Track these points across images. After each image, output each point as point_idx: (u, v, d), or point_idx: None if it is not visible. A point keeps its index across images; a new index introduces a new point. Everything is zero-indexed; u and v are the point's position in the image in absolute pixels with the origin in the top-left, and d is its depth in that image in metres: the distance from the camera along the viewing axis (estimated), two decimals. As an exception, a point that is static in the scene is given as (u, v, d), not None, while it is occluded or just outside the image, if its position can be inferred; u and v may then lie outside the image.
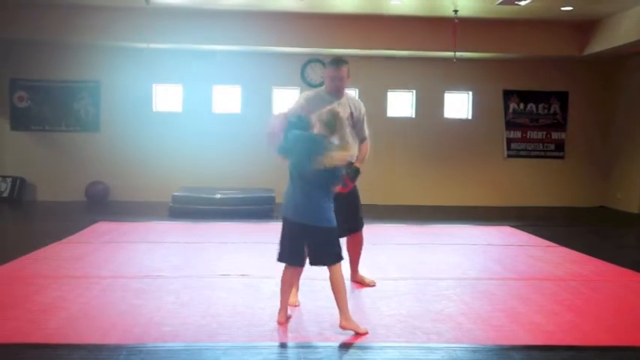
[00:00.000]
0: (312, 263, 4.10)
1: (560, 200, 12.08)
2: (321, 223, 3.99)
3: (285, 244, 4.15)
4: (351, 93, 5.11)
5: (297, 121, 4.12)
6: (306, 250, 4.10)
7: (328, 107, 4.65)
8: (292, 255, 4.13)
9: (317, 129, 4.17)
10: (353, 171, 4.83)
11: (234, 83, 11.80)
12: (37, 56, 11.37)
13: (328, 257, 4.01)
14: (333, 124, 3.99)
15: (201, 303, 4.62)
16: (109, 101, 11.59)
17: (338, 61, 4.82)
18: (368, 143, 5.07)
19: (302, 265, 4.21)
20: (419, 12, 10.30)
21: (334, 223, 4.06)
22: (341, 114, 4.74)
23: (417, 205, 11.59)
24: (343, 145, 4.26)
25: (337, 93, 4.87)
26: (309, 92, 5.00)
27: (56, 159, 11.56)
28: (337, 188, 4.25)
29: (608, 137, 12.15)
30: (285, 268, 4.17)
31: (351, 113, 4.88)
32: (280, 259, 4.17)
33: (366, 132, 5.05)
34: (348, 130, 4.82)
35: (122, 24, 10.40)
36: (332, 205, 4.07)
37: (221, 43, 10.88)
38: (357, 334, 3.91)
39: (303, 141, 4.00)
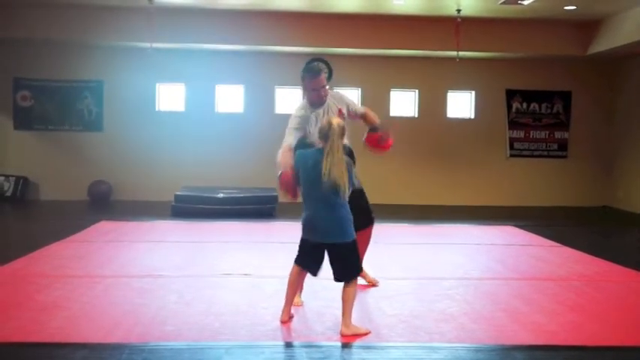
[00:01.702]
0: (337, 279, 4.06)
1: (563, 200, 12.06)
2: (342, 239, 3.98)
3: (305, 252, 4.12)
4: (355, 91, 5.10)
5: (301, 143, 4.26)
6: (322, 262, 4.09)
7: (326, 118, 4.55)
8: (310, 263, 4.10)
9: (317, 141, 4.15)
10: (373, 129, 4.83)
11: (237, 82, 11.80)
12: (41, 56, 11.38)
13: (351, 272, 4.00)
14: (326, 132, 3.98)
15: (203, 302, 4.62)
16: (112, 101, 11.60)
17: (314, 70, 4.63)
18: (371, 112, 5.02)
19: (316, 274, 4.18)
20: (422, 11, 10.29)
21: (354, 236, 4.05)
22: (335, 124, 4.65)
23: (420, 205, 11.57)
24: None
25: (320, 101, 4.73)
26: (298, 107, 4.81)
27: (59, 158, 11.57)
28: (384, 145, 4.57)
29: (611, 137, 12.12)
30: (295, 267, 4.16)
31: (340, 110, 4.85)
32: (296, 261, 4.16)
33: (360, 108, 5.01)
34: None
35: (125, 23, 10.41)
36: (350, 216, 4.04)
37: (224, 43, 10.88)
38: (360, 335, 3.91)
39: (308, 157, 4.04)
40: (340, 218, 3.98)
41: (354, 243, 4.04)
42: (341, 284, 4.00)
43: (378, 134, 4.87)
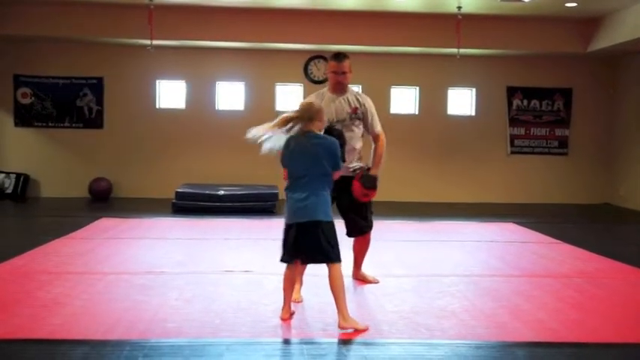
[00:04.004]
0: (311, 261, 4.07)
1: (563, 197, 12.04)
2: (315, 217, 3.97)
3: (287, 240, 4.12)
4: (356, 89, 5.09)
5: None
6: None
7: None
8: (294, 252, 4.10)
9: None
10: (366, 178, 4.76)
11: (237, 80, 11.80)
12: (41, 53, 11.37)
13: (328, 253, 3.96)
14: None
15: (204, 299, 4.63)
16: (112, 98, 11.59)
17: (340, 55, 4.90)
18: (383, 140, 4.97)
19: (307, 260, 4.19)
20: (422, 8, 10.27)
21: (331, 217, 4.04)
22: (339, 112, 4.80)
23: (420, 202, 11.57)
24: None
25: (339, 87, 4.89)
26: (312, 96, 5.00)
27: (60, 155, 11.57)
28: (361, 197, 4.54)
29: (612, 134, 12.11)
30: (287, 265, 4.16)
31: (356, 108, 4.88)
32: (282, 259, 4.15)
33: (378, 127, 4.97)
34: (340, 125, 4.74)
35: (126, 20, 10.39)
36: (328, 199, 4.05)
37: (225, 40, 10.88)
38: (358, 331, 3.91)
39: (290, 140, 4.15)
40: (313, 199, 3.97)
41: (327, 224, 4.00)
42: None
43: (361, 187, 4.74)
